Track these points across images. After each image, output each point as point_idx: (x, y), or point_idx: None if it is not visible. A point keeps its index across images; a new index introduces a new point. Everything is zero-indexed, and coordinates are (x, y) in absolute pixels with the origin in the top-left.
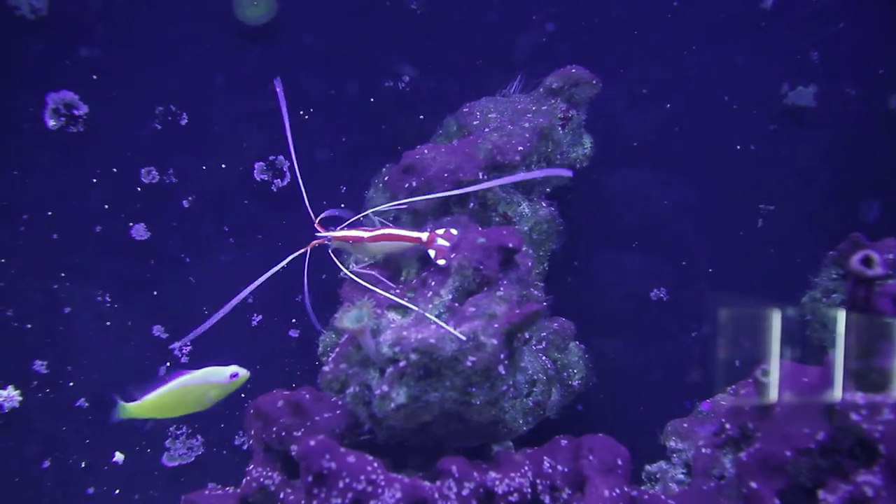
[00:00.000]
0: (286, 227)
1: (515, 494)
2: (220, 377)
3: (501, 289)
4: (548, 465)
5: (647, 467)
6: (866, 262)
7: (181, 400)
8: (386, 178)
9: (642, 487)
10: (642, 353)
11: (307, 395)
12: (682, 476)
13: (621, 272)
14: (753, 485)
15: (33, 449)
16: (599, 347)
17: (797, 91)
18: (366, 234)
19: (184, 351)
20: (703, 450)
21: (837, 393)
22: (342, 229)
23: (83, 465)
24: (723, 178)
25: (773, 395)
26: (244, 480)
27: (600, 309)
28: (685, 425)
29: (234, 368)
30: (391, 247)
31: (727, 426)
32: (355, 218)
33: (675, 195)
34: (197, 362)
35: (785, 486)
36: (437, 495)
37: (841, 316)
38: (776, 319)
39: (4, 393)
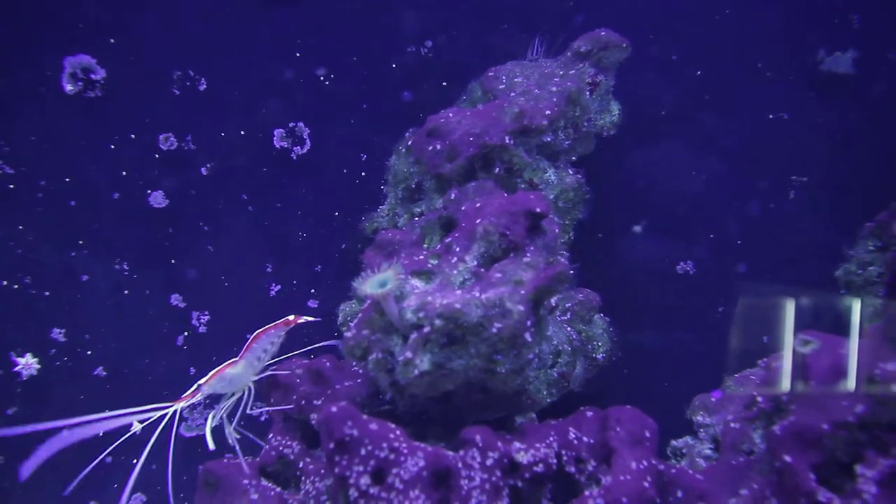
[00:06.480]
0: (305, 195)
1: (540, 465)
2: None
3: (528, 255)
4: (573, 436)
5: (673, 442)
6: None
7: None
8: (409, 143)
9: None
10: (668, 328)
11: (328, 363)
12: (709, 451)
13: (647, 244)
14: (787, 458)
15: (51, 416)
16: (624, 321)
17: (834, 57)
18: (228, 362)
19: (202, 321)
20: (732, 424)
21: (878, 364)
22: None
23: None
24: (754, 147)
25: (811, 367)
26: (263, 449)
27: (625, 281)
28: (713, 399)
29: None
30: (263, 346)
31: (759, 399)
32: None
33: (704, 165)
34: (216, 333)
35: (820, 461)
36: (460, 464)
37: (880, 285)
38: (808, 294)
39: (23, 360)
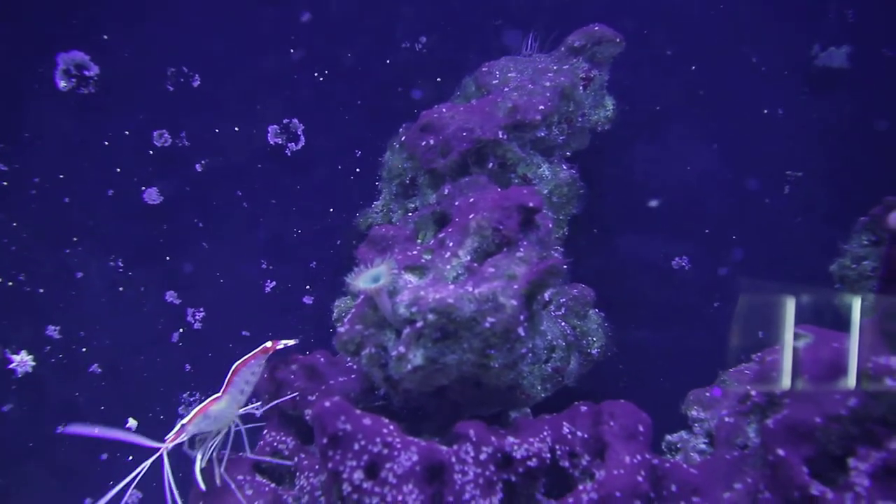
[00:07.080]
0: (300, 192)
1: (534, 459)
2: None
3: (521, 250)
4: (567, 430)
5: (668, 437)
6: None
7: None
8: (403, 138)
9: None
10: (663, 323)
11: (322, 359)
12: (703, 446)
13: (642, 239)
14: (780, 452)
15: (47, 414)
16: (619, 316)
17: (829, 52)
18: (211, 398)
19: (197, 318)
20: (727, 418)
21: (871, 358)
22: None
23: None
24: (749, 143)
25: (803, 360)
26: (258, 445)
27: (620, 276)
28: (707, 394)
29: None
30: (245, 377)
31: (752, 393)
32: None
33: (699, 160)
34: (211, 329)
35: (813, 454)
36: (454, 459)
37: (874, 279)
38: (803, 288)
39: (18, 358)
